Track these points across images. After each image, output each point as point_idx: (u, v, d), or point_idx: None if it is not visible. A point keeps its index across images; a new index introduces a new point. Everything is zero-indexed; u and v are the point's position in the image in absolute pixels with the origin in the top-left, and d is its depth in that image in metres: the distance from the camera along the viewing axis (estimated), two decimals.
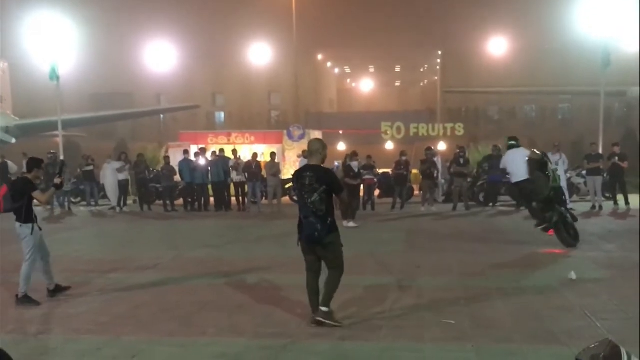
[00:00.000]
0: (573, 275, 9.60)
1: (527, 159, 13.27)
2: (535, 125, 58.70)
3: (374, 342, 6.85)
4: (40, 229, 8.94)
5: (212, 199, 22.36)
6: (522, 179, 13.51)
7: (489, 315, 7.83)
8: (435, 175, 21.30)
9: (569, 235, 12.77)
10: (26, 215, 8.72)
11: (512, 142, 14.09)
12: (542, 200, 12.68)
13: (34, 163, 9.27)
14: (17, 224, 8.76)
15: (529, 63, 59.48)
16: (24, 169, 25.27)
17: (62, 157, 22.86)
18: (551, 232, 12.84)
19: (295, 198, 23.36)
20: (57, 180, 9.30)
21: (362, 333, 7.15)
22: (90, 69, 59.29)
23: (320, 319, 7.37)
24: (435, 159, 21.95)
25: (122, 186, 22.37)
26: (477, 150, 27.66)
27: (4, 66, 43.82)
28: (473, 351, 6.53)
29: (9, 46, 47.49)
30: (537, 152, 13.26)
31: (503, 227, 16.58)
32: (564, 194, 13.39)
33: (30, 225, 8.69)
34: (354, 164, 18.70)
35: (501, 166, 14.36)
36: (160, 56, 58.34)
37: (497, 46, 61.66)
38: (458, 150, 21.54)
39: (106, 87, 63.72)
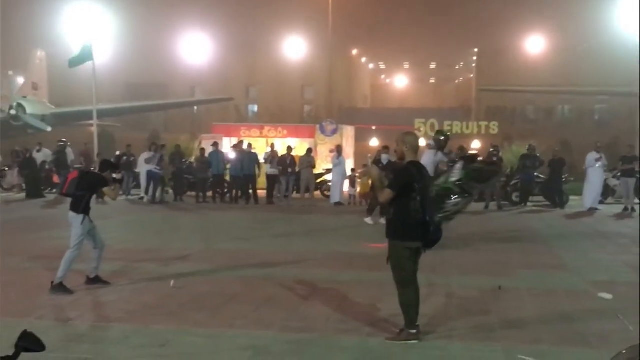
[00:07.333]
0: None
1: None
2: (572, 126, 57.88)
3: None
4: (92, 221, 9.02)
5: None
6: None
7: (518, 316, 7.75)
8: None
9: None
10: (81, 206, 8.86)
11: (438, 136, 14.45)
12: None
13: (108, 166, 9.64)
14: (70, 213, 8.93)
15: (566, 62, 58.67)
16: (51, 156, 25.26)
17: (97, 152, 23.18)
18: None
19: (327, 193, 23.32)
20: (118, 176, 9.71)
21: (390, 330, 7.10)
22: (126, 59, 59.84)
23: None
24: None
25: (151, 176, 22.32)
26: (510, 149, 27.35)
27: (40, 54, 44.37)
28: (501, 351, 6.47)
29: (46, 35, 48.23)
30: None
31: (534, 226, 16.38)
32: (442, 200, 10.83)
33: (81, 216, 8.82)
34: (384, 157, 18.21)
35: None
36: (195, 48, 58.69)
37: (534, 44, 61.01)
38: (492, 149, 21.29)
39: (141, 77, 64.29)
